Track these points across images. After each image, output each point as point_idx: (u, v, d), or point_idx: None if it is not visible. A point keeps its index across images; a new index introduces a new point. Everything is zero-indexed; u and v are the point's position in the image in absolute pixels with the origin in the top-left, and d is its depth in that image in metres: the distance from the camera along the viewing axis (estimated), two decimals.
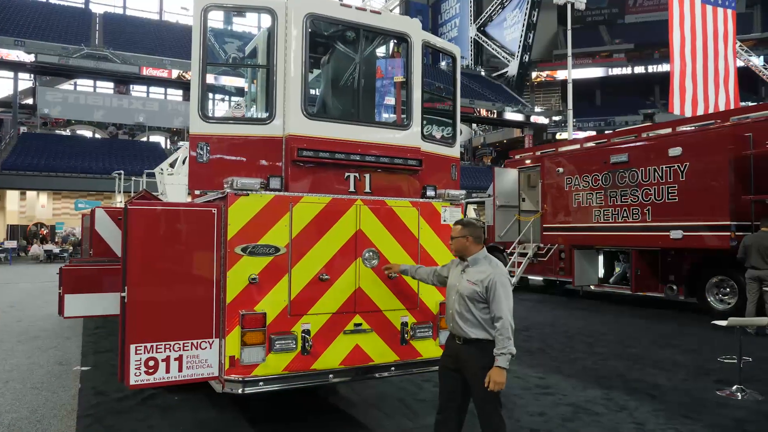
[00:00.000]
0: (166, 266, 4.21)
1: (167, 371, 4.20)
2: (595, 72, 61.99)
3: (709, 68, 25.66)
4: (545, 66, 64.45)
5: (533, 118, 56.35)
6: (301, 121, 4.66)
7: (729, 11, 25.82)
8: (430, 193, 5.22)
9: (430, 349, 5.10)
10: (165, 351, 4.19)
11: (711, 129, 11.00)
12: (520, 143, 54.19)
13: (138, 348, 4.10)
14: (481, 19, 61.50)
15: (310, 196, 4.63)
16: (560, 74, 62.79)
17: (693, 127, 11.66)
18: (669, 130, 12.09)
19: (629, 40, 63.75)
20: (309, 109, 4.73)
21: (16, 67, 39.70)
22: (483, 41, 61.53)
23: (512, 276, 14.97)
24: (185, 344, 4.26)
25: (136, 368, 4.10)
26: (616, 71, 62.38)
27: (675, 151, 11.12)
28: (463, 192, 5.28)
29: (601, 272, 13.80)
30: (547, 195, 14.34)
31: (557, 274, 14.78)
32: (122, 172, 15.14)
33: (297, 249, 4.54)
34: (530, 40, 57.64)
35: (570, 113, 19.23)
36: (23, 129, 41.44)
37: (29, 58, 38.31)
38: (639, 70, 61.63)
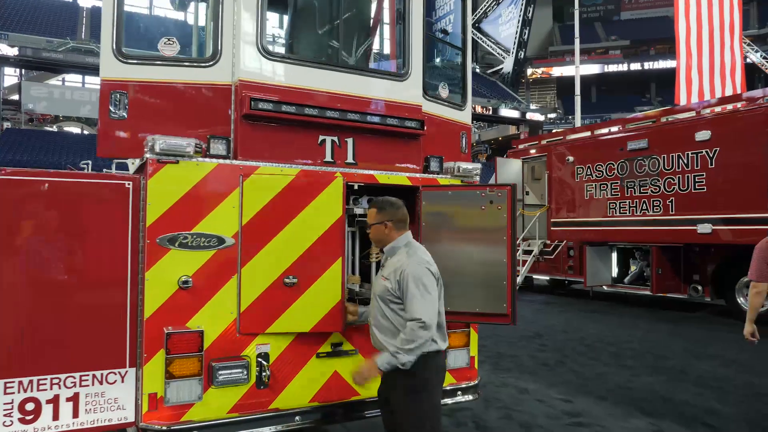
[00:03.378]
0: (52, 265, 2.89)
1: (55, 418, 2.88)
2: (590, 69, 60.90)
3: (715, 59, 24.81)
4: (540, 63, 63.38)
5: (529, 115, 55.17)
6: (257, 61, 3.36)
7: (735, 0, 24.86)
8: (434, 166, 3.93)
9: None
10: (52, 388, 2.87)
11: (745, 110, 9.75)
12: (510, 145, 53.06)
13: (8, 385, 2.78)
14: (476, 16, 60.21)
15: (269, 166, 3.32)
16: (555, 71, 61.82)
17: (722, 109, 10.40)
18: (693, 114, 10.83)
19: (625, 37, 62.91)
20: (269, 47, 3.43)
21: None
22: (478, 38, 60.28)
23: (516, 275, 13.68)
24: (83, 377, 2.94)
25: (5, 415, 2.77)
26: (612, 68, 61.38)
27: (703, 136, 9.87)
28: (478, 166, 3.98)
29: (615, 271, 12.55)
30: (555, 187, 13.09)
31: (566, 273, 13.52)
32: (90, 162, 13.70)
33: (250, 240, 3.23)
34: (525, 37, 56.46)
35: (578, 99, 18.06)
36: (7, 125, 40.04)
37: (12, 51, 36.98)
38: (635, 66, 60.69)
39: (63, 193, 2.91)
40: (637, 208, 11.07)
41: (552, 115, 57.45)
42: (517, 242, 14.06)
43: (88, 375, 2.94)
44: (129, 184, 3.05)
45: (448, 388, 3.85)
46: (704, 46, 25.03)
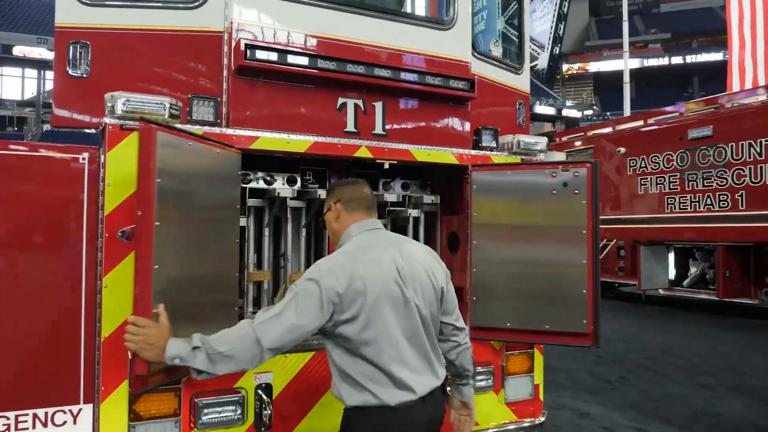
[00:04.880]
0: None
1: None
2: (629, 63, 58.77)
3: None
4: (576, 58, 61.59)
5: (565, 112, 53.57)
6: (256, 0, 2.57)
7: None
8: (487, 140, 3.07)
9: (489, 410, 2.95)
10: None
11: None
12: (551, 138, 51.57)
13: None
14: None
15: (272, 136, 2.52)
16: (592, 66, 60.02)
17: None
18: (765, 97, 9.66)
19: (665, 30, 60.68)
20: None
21: (39, 65, 39.23)
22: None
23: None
24: (21, 418, 2.18)
25: None
26: (652, 62, 59.18)
27: None
28: (544, 140, 3.11)
29: (672, 273, 11.41)
30: (603, 181, 12.00)
31: (616, 274, 12.41)
32: None
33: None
34: (561, 32, 54.89)
35: (627, 86, 16.92)
36: (46, 127, 40.93)
37: (52, 55, 37.64)
38: (676, 60, 58.39)
39: None
40: (700, 203, 9.94)
41: (588, 112, 55.76)
42: None
43: (26, 414, 2.19)
44: (84, 158, 2.29)
45: (503, 428, 3.00)
46: (759, 32, 23.52)
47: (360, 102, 2.74)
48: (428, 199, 3.09)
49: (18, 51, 37.69)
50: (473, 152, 2.99)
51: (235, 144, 2.43)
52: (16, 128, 40.89)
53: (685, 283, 11.29)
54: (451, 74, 2.88)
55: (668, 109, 12.02)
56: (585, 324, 2.72)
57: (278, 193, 2.68)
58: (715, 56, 51.79)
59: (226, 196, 2.38)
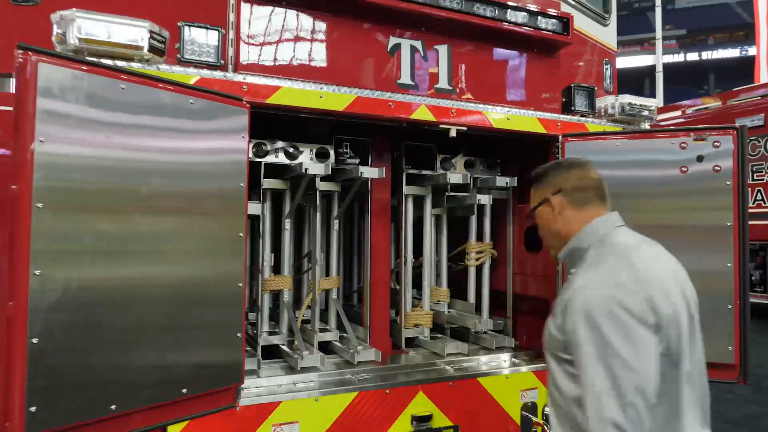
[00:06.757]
0: None
1: None
2: (643, 60, 57.61)
3: None
4: None
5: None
6: None
7: None
8: (581, 102, 2.31)
9: None
10: None
11: None
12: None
13: None
14: None
15: (298, 87, 1.78)
16: None
17: None
18: None
19: (681, 26, 59.59)
20: None
21: None
22: None
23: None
24: None
25: None
26: (667, 59, 57.82)
27: None
28: (654, 102, 2.37)
29: None
30: None
31: None
32: None
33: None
34: None
35: (660, 75, 16.09)
36: None
37: None
38: (692, 57, 57.27)
39: None
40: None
41: None
42: None
43: None
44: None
45: None
46: None
47: (418, 44, 1.99)
48: (501, 181, 2.34)
49: None
50: (564, 117, 2.23)
51: (247, 96, 1.69)
52: None
53: None
54: (541, 12, 2.12)
55: (685, 103, 11.31)
56: (730, 352, 1.96)
57: (305, 170, 1.94)
58: (732, 52, 50.72)
59: (215, 173, 1.59)
